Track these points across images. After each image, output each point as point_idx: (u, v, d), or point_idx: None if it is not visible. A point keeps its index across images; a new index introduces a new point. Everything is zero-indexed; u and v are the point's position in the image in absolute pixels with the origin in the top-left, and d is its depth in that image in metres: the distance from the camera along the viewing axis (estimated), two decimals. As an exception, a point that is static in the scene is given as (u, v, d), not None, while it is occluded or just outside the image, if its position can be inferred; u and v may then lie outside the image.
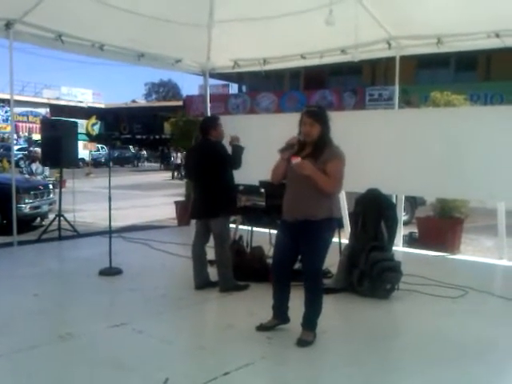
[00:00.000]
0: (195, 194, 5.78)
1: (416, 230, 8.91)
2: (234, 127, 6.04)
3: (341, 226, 6.18)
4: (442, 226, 8.38)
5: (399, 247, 7.74)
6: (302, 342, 4.03)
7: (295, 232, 4.07)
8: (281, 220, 4.28)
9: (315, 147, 4.01)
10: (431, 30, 7.46)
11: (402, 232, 8.12)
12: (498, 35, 7.01)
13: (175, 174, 30.09)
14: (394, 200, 7.65)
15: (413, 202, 10.92)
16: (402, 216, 8.36)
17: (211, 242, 5.59)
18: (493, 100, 21.30)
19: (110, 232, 6.41)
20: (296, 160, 3.86)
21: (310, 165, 3.86)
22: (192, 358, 3.94)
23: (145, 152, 44.91)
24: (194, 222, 9.75)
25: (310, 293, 4.08)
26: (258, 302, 4.76)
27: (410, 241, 8.71)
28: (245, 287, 5.54)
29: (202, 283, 5.54)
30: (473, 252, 8.36)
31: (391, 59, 8.62)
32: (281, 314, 4.34)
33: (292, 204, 4.09)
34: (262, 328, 4.31)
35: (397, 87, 8.75)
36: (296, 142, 4.02)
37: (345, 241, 6.07)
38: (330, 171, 3.92)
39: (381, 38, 8.05)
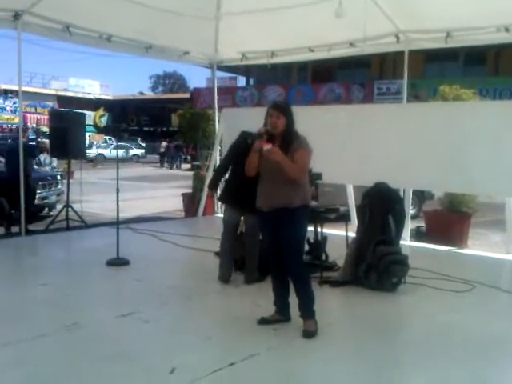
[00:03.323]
0: (233, 179, 5.55)
1: (423, 224, 8.89)
2: (241, 120, 6.04)
3: (348, 219, 6.21)
4: (450, 220, 8.36)
5: (406, 241, 7.70)
6: (307, 333, 4.05)
7: (274, 220, 4.15)
8: (258, 212, 4.31)
9: (283, 140, 4.09)
10: (440, 24, 7.41)
11: (409, 226, 8.08)
12: (507, 29, 6.96)
13: (164, 163, 30.01)
14: (402, 194, 7.62)
15: (420, 196, 10.90)
16: (410, 210, 8.33)
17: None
18: (502, 95, 21.17)
19: (117, 223, 6.45)
20: (267, 146, 3.98)
21: (279, 151, 3.96)
22: (198, 349, 3.95)
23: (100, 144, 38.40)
24: (201, 213, 9.90)
25: (296, 278, 4.16)
26: (263, 294, 4.76)
27: (418, 235, 8.68)
28: (263, 279, 5.49)
29: (228, 276, 5.55)
30: (480, 247, 8.34)
31: (400, 53, 8.57)
32: (282, 309, 4.36)
33: (269, 194, 4.16)
34: (263, 321, 4.32)
35: (405, 81, 8.71)
36: (264, 131, 4.11)
37: (352, 234, 6.07)
38: (297, 159, 4.02)
39: (389, 31, 8.01)
